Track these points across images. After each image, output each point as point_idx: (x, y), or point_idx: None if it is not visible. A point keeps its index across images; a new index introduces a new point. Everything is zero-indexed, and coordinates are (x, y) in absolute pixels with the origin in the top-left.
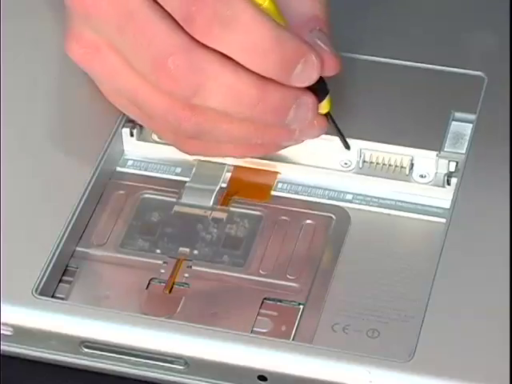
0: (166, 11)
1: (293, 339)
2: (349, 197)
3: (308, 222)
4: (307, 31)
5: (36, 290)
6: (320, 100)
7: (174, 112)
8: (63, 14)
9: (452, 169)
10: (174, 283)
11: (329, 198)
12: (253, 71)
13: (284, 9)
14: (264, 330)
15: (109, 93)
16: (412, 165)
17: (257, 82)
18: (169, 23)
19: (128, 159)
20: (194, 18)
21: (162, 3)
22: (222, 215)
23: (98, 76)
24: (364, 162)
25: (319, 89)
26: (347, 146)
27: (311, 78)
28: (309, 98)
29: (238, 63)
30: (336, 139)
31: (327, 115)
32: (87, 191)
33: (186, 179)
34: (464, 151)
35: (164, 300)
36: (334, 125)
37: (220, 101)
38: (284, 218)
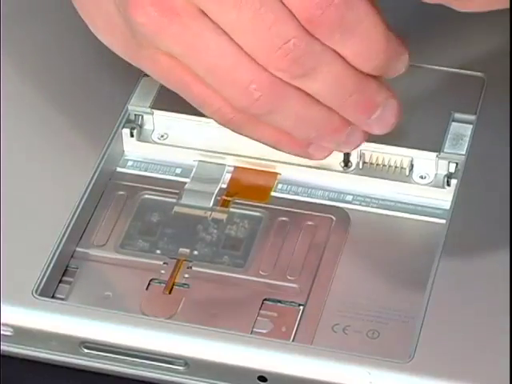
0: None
1: (293, 340)
2: (349, 198)
3: (308, 222)
4: None
5: (36, 291)
6: None
7: (260, 82)
8: None
9: (452, 170)
10: (174, 284)
11: (329, 199)
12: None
13: None
14: (264, 331)
15: (160, 58)
16: (412, 166)
17: (358, 74)
18: (287, 12)
19: (128, 160)
20: (319, 21)
21: (285, 1)
22: (222, 216)
23: (168, 41)
24: (364, 162)
25: None
26: (348, 164)
27: (401, 71)
28: (397, 101)
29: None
30: None
31: None
32: (87, 191)
33: (186, 180)
34: (464, 152)
35: (164, 301)
36: None
37: (323, 86)
38: (284, 218)
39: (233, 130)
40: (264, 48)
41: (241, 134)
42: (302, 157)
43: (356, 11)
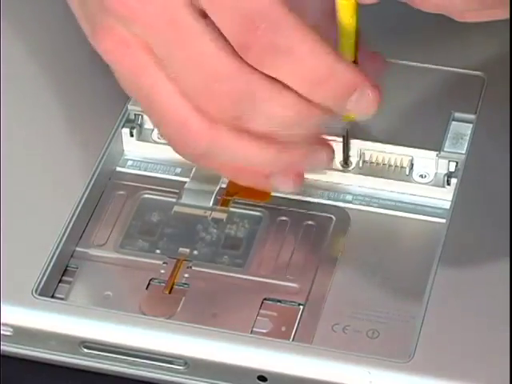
0: (217, 30)
1: (293, 339)
2: (349, 197)
3: (308, 222)
4: None
5: (36, 291)
6: None
7: (190, 127)
8: (82, 9)
9: (452, 169)
10: (173, 283)
11: (328, 199)
12: (299, 97)
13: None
14: (264, 331)
15: (129, 88)
16: (412, 165)
17: (302, 107)
18: (220, 46)
19: (128, 159)
20: (250, 46)
21: (218, 26)
22: (222, 216)
23: (123, 71)
24: (364, 162)
25: None
26: (347, 164)
27: (368, 111)
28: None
29: (285, 88)
30: (336, 139)
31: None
32: (87, 191)
33: (186, 179)
34: (464, 151)
35: (164, 300)
36: (347, 137)
37: (261, 124)
38: (284, 218)
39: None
40: (195, 89)
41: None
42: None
43: (288, 35)
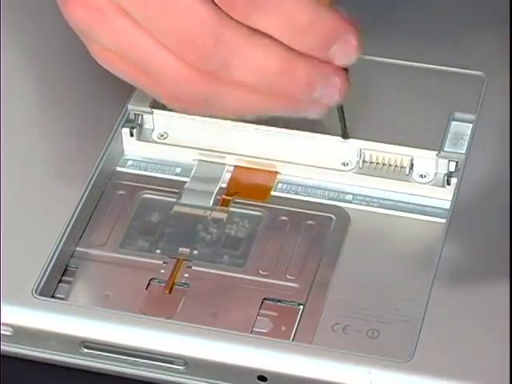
0: None
1: (293, 339)
2: (349, 197)
3: (308, 222)
4: None
5: (36, 290)
6: None
7: (190, 78)
8: None
9: (452, 169)
10: (173, 283)
11: (329, 199)
12: (279, 46)
13: None
14: (264, 330)
15: (103, 53)
16: (412, 165)
17: (284, 57)
18: (202, 2)
19: (128, 159)
20: (233, 1)
21: None
22: (222, 215)
23: (100, 37)
24: (364, 161)
25: None
26: (346, 136)
27: (350, 58)
28: (340, 79)
29: (265, 37)
30: (336, 139)
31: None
32: (87, 191)
33: (186, 179)
34: (464, 151)
35: (164, 300)
36: (341, 110)
37: (243, 75)
38: (284, 218)
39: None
40: (174, 42)
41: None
42: (300, 114)
43: None
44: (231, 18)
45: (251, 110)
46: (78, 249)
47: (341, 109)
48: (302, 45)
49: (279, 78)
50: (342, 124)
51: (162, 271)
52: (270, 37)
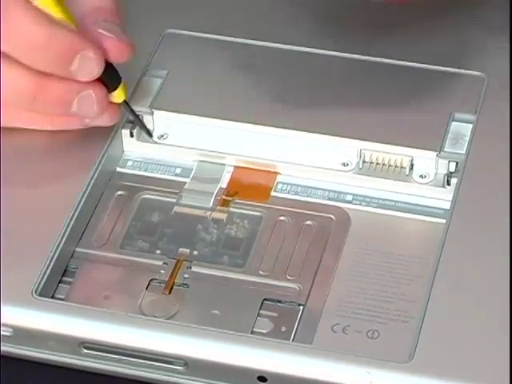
0: None
1: (292, 340)
2: (349, 197)
3: (308, 222)
4: (91, 23)
5: (36, 291)
6: (111, 89)
7: None
8: None
9: (452, 169)
10: (173, 284)
11: (329, 199)
12: (30, 69)
13: (71, 2)
14: (264, 331)
15: None
16: (412, 165)
17: (36, 77)
18: None
19: (128, 160)
20: None
21: None
22: (222, 216)
23: None
24: (364, 162)
25: (110, 78)
26: (149, 134)
27: (92, 73)
28: (93, 91)
29: (15, 62)
30: (336, 139)
31: (124, 103)
32: (87, 192)
33: (186, 180)
34: (464, 151)
35: (164, 301)
36: (133, 113)
37: (7, 96)
38: (284, 218)
39: None
40: None
41: None
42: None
43: (5, 6)
44: None
45: (37, 126)
46: (77, 249)
47: (131, 110)
48: (42, 63)
49: (34, 99)
50: (139, 124)
51: (162, 271)
52: (19, 62)
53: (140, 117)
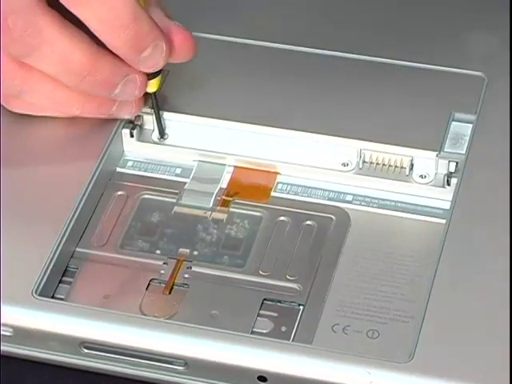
0: None
1: (293, 340)
2: (349, 197)
3: (308, 222)
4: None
5: (36, 291)
6: (150, 78)
7: (3, 66)
8: None
9: (452, 169)
10: (173, 284)
11: (329, 199)
12: (88, 43)
13: None
14: (264, 331)
15: None
16: (412, 165)
17: (90, 53)
18: None
19: (128, 160)
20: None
21: None
22: (222, 216)
23: None
24: (364, 162)
25: None
26: (162, 134)
27: (158, 64)
28: (139, 76)
29: (75, 32)
30: (336, 139)
31: (153, 94)
32: (87, 192)
33: (186, 180)
34: (464, 151)
35: (164, 301)
36: (157, 107)
37: (51, 66)
38: (284, 218)
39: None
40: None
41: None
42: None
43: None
44: (45, 8)
45: (65, 108)
46: (78, 249)
47: (156, 104)
48: (115, 43)
49: (84, 78)
50: (157, 121)
51: (162, 272)
52: (82, 31)
53: (160, 113)
